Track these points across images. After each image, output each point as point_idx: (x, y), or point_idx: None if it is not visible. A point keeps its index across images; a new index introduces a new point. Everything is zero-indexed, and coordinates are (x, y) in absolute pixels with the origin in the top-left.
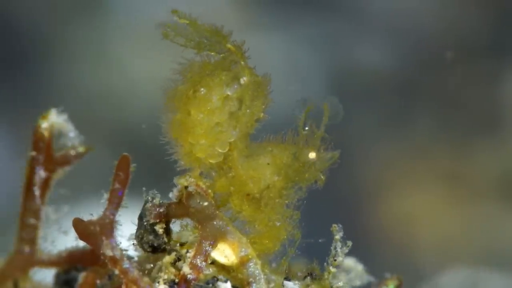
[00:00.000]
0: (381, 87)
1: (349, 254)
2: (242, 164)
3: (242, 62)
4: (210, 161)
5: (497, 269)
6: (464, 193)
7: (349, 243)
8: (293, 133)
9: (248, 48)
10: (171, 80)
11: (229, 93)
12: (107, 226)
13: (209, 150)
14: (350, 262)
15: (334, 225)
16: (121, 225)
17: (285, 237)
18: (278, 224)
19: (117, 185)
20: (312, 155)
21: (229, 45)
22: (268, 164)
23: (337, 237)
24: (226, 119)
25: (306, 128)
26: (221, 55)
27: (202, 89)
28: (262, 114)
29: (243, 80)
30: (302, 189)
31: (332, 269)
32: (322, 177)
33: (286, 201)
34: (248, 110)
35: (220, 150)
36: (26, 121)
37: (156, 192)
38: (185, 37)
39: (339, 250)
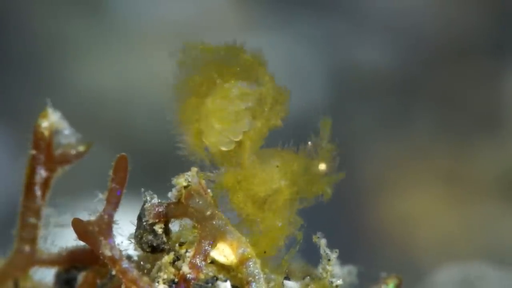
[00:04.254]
0: (381, 86)
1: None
2: (251, 162)
3: (263, 69)
4: (221, 148)
5: (496, 268)
6: (464, 193)
7: (336, 250)
8: (304, 146)
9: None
10: (183, 69)
11: (248, 90)
12: (105, 226)
13: (222, 136)
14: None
15: (314, 235)
16: (117, 224)
17: (283, 243)
18: (280, 224)
19: (115, 185)
20: (323, 166)
21: (246, 56)
22: (277, 166)
23: (322, 243)
24: (243, 110)
25: (309, 143)
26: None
27: (219, 80)
28: (279, 122)
29: (265, 84)
30: (307, 199)
31: (330, 268)
32: (329, 191)
33: (290, 209)
34: (267, 109)
35: (232, 138)
36: (26, 121)
37: (152, 193)
38: (201, 62)
39: (329, 252)
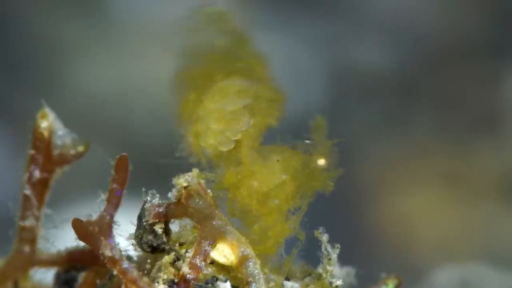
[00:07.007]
0: (381, 87)
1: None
2: (252, 158)
3: (265, 69)
4: (221, 148)
5: (496, 268)
6: (464, 193)
7: (337, 245)
8: (302, 143)
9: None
10: (184, 61)
11: (246, 88)
12: (106, 227)
13: (221, 136)
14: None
15: (316, 230)
16: (119, 225)
17: (284, 238)
18: (285, 218)
19: (115, 185)
20: (322, 161)
21: (251, 51)
22: (278, 161)
23: (324, 238)
24: (240, 109)
25: (307, 141)
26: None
27: (219, 76)
28: (274, 121)
29: (263, 83)
30: (308, 195)
31: (330, 268)
32: (330, 184)
33: (292, 204)
34: (264, 106)
35: (232, 137)
36: (25, 122)
37: (155, 192)
38: (211, 33)
39: (330, 250)
